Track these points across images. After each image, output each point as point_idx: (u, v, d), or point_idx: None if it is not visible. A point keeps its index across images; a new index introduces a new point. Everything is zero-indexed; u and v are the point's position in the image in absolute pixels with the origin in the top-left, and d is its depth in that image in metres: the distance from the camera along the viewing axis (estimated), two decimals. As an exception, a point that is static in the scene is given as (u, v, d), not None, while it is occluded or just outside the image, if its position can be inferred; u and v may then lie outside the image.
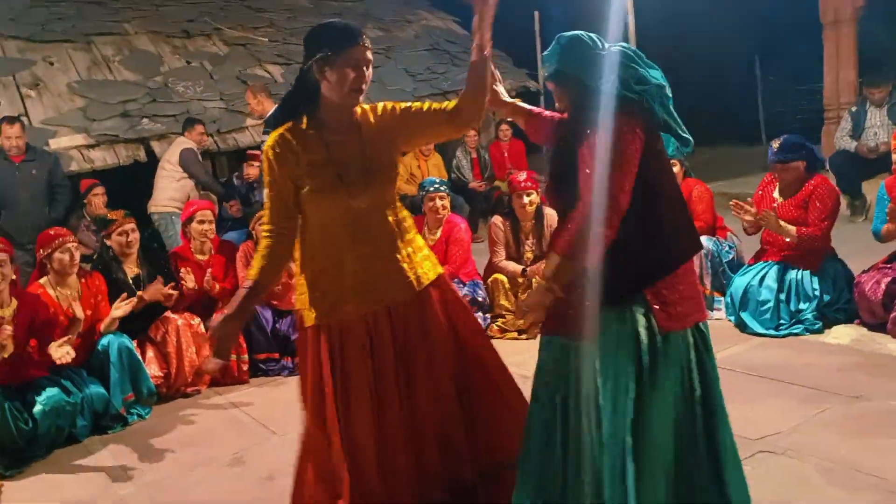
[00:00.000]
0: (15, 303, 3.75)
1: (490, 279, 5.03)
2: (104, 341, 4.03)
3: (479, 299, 4.88)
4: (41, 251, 4.02)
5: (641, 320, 2.04)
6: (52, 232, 4.06)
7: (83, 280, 4.14)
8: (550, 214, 5.00)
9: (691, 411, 2.11)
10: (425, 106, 2.30)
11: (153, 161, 7.23)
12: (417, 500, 2.32)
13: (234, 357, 4.50)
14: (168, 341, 4.32)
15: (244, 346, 4.54)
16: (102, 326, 4.04)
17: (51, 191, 5.87)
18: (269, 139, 2.28)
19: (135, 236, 4.41)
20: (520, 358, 4.30)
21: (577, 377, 2.10)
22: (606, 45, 2.15)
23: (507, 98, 2.48)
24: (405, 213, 2.41)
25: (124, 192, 6.67)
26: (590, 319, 2.04)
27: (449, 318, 2.39)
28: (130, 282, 4.36)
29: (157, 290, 4.22)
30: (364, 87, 2.21)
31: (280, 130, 2.27)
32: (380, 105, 2.35)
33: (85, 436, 3.90)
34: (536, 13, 10.47)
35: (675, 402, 2.08)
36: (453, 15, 11.74)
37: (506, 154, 9.45)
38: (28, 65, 7.93)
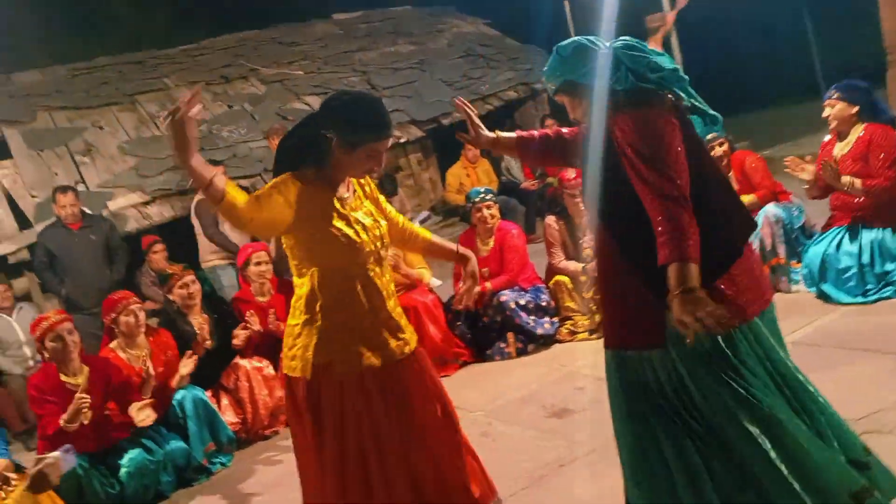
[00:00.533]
0: (86, 370, 3.85)
1: (552, 282, 4.93)
2: (178, 396, 4.09)
3: (543, 304, 4.78)
4: (107, 316, 4.11)
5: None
6: (115, 297, 4.16)
7: (151, 338, 4.22)
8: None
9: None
10: (393, 214, 2.55)
11: (208, 208, 7.38)
12: None
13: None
14: (240, 387, 4.36)
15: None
16: (174, 383, 4.10)
17: (109, 254, 6.03)
18: (288, 174, 2.26)
19: (196, 287, 4.48)
20: (593, 359, 4.21)
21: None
22: (607, 44, 2.06)
23: (489, 134, 2.46)
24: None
25: (186, 245, 6.80)
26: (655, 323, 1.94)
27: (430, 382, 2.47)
28: (198, 333, 4.42)
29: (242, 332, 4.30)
30: (380, 169, 2.32)
31: (293, 176, 2.25)
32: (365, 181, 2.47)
33: (171, 491, 3.96)
34: (566, 1, 10.30)
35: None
36: (483, 17, 11.67)
37: (554, 149, 9.30)
38: (79, 132, 8.21)
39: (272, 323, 4.61)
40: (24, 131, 8.01)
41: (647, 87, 1.98)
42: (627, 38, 2.06)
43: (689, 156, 1.93)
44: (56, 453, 3.15)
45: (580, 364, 4.34)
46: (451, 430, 2.46)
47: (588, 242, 4.88)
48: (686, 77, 2.04)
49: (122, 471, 3.77)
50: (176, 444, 3.99)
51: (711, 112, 2.08)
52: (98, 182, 7.63)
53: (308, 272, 2.32)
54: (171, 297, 4.50)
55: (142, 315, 4.11)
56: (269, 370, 4.48)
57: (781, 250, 4.63)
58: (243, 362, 4.42)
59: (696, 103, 2.06)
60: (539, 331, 4.72)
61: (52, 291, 6.08)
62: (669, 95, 2.01)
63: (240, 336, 4.39)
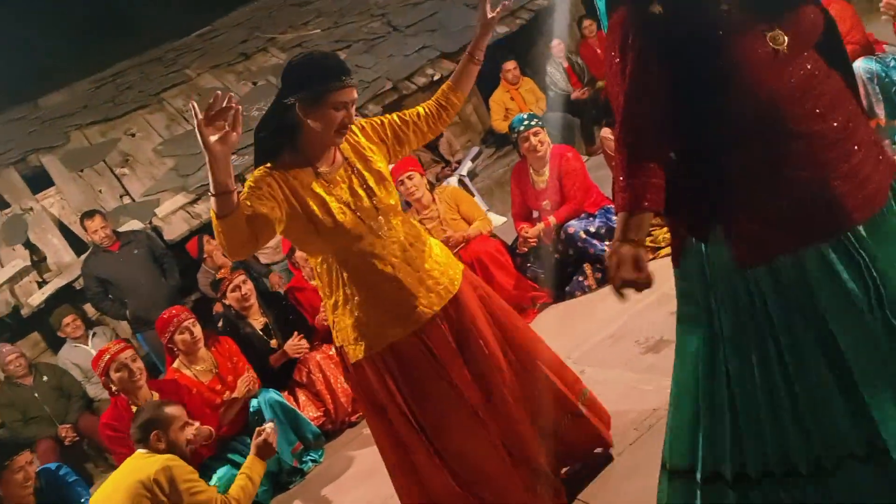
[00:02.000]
0: (156, 396, 3.74)
1: (622, 199, 4.53)
2: (254, 403, 3.97)
3: (615, 225, 4.39)
4: (163, 337, 3.99)
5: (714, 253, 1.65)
6: (165, 316, 4.03)
7: (214, 349, 4.09)
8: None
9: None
10: (414, 113, 2.45)
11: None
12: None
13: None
14: (314, 380, 4.21)
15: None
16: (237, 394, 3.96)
17: (158, 264, 5.94)
18: (256, 173, 2.18)
19: (248, 287, 4.31)
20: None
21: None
22: None
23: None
24: (404, 215, 2.40)
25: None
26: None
27: (486, 307, 2.46)
28: (261, 333, 4.27)
29: (294, 345, 4.12)
30: (349, 127, 2.21)
31: (264, 169, 2.18)
32: (359, 125, 2.38)
33: (269, 499, 3.88)
34: None
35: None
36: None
37: (598, 51, 8.70)
38: (113, 144, 8.14)
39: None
40: (60, 155, 7.99)
41: None
42: None
43: (695, 61, 1.56)
44: (270, 424, 3.23)
45: (669, 285, 3.95)
46: (529, 358, 2.47)
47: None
48: None
49: (212, 481, 3.68)
50: (262, 451, 3.88)
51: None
52: (142, 191, 7.57)
53: (313, 256, 2.33)
54: (225, 301, 4.35)
55: (197, 329, 3.97)
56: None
57: (880, 109, 4.08)
58: (311, 354, 4.25)
59: None
60: (609, 261, 4.36)
61: (116, 317, 6.06)
62: None
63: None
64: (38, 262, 7.02)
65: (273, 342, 4.22)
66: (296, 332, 4.20)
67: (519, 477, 2.38)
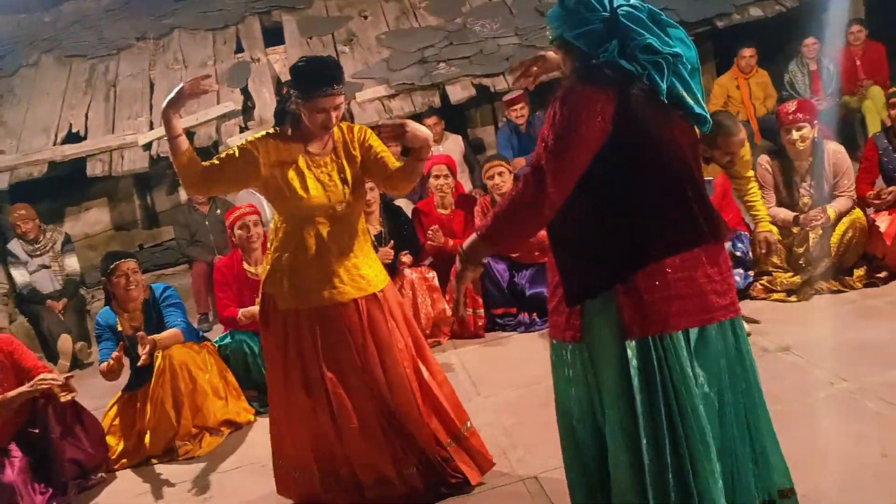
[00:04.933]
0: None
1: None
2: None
3: (739, 253, 4.38)
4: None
5: (607, 320, 1.86)
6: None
7: None
8: (833, 150, 4.26)
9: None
10: (382, 156, 2.78)
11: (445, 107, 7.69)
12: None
13: (470, 311, 4.72)
14: (403, 295, 4.68)
15: (480, 300, 4.72)
16: None
17: None
18: (258, 134, 2.76)
19: (373, 195, 4.79)
20: (784, 328, 3.82)
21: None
22: (615, 5, 1.83)
23: None
24: (364, 225, 2.90)
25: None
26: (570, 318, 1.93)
27: (401, 322, 2.90)
28: (374, 239, 4.78)
29: (384, 252, 4.56)
30: (331, 127, 2.66)
31: (268, 131, 2.77)
32: (359, 131, 2.82)
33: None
34: None
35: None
36: None
37: (858, 63, 8.06)
38: (344, 21, 8.89)
39: (435, 237, 4.77)
40: (298, 18, 8.88)
41: (628, 67, 1.80)
42: (641, 3, 1.86)
43: (624, 148, 1.81)
44: None
45: (768, 330, 3.93)
46: (401, 387, 2.81)
47: (806, 189, 4.33)
48: (692, 64, 1.86)
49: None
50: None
51: (698, 111, 1.87)
52: (352, 73, 8.27)
53: (278, 214, 2.82)
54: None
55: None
56: (436, 281, 4.74)
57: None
58: (408, 271, 4.71)
59: (686, 96, 1.85)
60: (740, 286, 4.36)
61: None
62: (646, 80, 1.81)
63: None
64: (247, 109, 8.01)
65: (385, 250, 4.69)
66: (399, 246, 4.65)
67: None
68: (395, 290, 3.02)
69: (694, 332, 1.84)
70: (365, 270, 2.81)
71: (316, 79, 2.57)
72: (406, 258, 4.70)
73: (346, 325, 2.76)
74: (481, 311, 4.74)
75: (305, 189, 2.69)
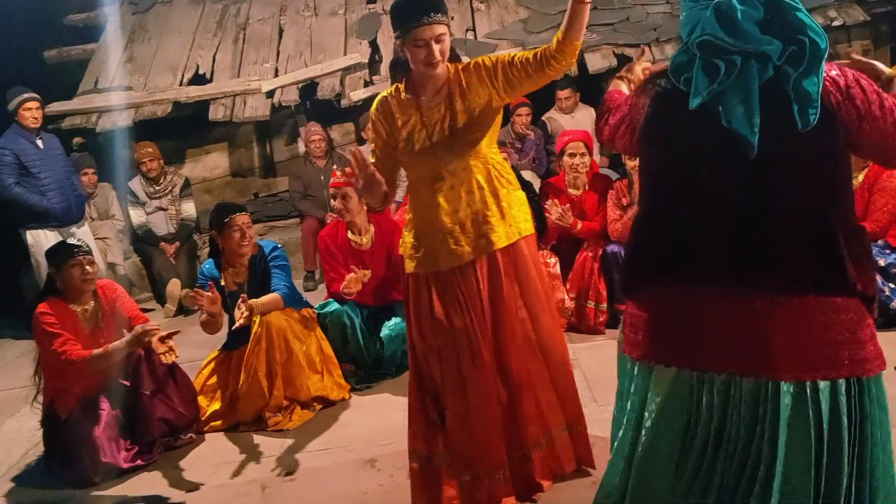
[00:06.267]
0: (373, 230, 4.15)
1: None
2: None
3: (894, 271, 3.81)
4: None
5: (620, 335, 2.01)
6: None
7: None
8: None
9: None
10: (524, 56, 2.45)
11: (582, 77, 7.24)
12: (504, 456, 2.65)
13: (591, 304, 4.34)
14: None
15: (603, 292, 4.34)
16: None
17: None
18: (375, 102, 2.63)
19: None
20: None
21: None
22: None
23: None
24: (498, 157, 2.62)
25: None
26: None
27: (521, 280, 2.62)
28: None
29: None
30: (434, 62, 2.41)
31: (384, 94, 2.62)
32: (473, 62, 2.54)
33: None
34: None
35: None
36: None
37: None
38: (488, -23, 8.50)
39: (565, 218, 4.38)
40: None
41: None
42: None
43: (650, 155, 1.87)
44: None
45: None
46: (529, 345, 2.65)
47: None
48: (774, 63, 1.62)
49: (385, 332, 4.09)
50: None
51: (742, 133, 1.63)
52: (487, 32, 7.91)
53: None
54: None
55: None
56: (557, 268, 4.40)
57: None
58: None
59: (731, 119, 1.65)
60: (894, 303, 3.80)
61: None
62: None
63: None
64: (373, 62, 7.78)
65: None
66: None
67: (497, 449, 2.63)
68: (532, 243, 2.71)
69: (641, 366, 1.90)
70: (494, 221, 2.55)
71: (410, 9, 2.38)
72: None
73: (463, 287, 2.57)
74: (604, 306, 4.35)
75: (412, 142, 2.54)
